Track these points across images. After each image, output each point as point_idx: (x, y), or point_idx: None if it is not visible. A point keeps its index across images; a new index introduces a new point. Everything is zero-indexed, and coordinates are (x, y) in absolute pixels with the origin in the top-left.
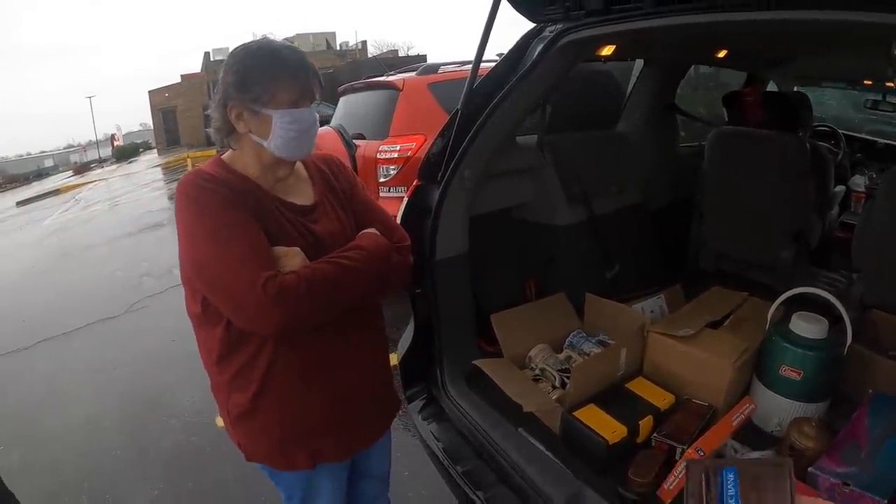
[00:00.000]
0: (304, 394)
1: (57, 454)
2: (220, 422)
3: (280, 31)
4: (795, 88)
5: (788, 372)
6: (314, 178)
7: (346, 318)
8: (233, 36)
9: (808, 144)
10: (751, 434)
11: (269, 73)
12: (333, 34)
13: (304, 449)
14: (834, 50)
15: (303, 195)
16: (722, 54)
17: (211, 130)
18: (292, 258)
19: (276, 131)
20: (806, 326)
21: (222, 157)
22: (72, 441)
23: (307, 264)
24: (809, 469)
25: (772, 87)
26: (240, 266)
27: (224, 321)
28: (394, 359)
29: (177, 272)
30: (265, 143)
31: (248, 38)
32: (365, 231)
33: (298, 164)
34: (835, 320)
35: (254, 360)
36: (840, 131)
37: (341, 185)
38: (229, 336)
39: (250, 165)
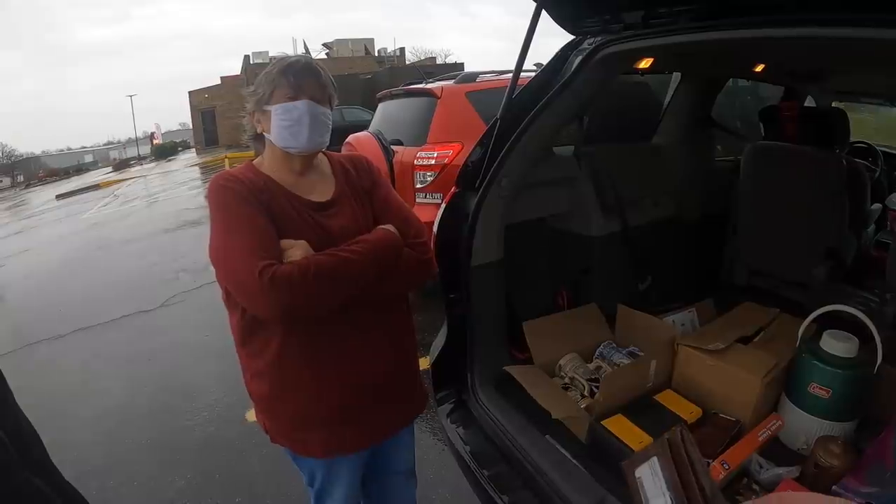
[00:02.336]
0: (315, 383)
1: (87, 439)
2: (250, 416)
3: (320, 37)
4: (833, 104)
5: (817, 390)
6: (337, 177)
7: (361, 313)
8: (273, 40)
9: (844, 161)
10: (777, 450)
11: (271, 76)
12: (372, 40)
13: (317, 438)
14: (872, 65)
15: (322, 192)
16: (759, 69)
17: (245, 138)
18: (296, 250)
19: (273, 123)
20: (836, 344)
21: (253, 161)
22: (102, 428)
23: (307, 256)
24: (834, 487)
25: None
26: (243, 255)
27: (241, 306)
28: (425, 362)
29: (213, 269)
30: (269, 137)
31: (288, 43)
32: (379, 227)
33: (323, 164)
34: (866, 339)
35: (266, 347)
36: (878, 148)
37: (363, 182)
38: (245, 321)
39: (272, 165)
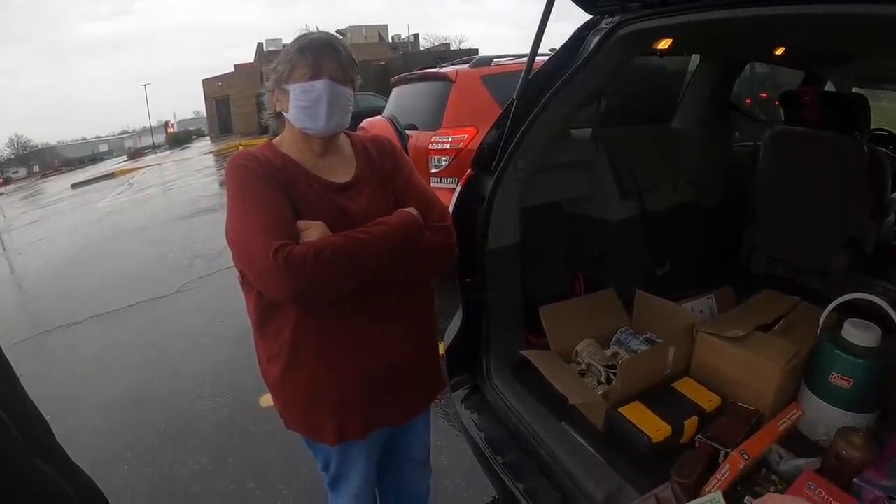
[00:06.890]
0: (328, 369)
1: (101, 425)
2: (263, 401)
3: (326, 25)
4: (853, 89)
5: (838, 380)
6: (358, 158)
7: (379, 299)
8: (282, 29)
9: (865, 147)
10: (797, 441)
11: (290, 54)
12: (386, 27)
13: (330, 424)
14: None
15: (342, 174)
16: (779, 51)
17: (265, 116)
18: (313, 230)
19: (292, 103)
20: (858, 334)
21: (272, 140)
22: (117, 413)
23: (324, 236)
24: (854, 480)
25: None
26: (258, 234)
27: (256, 289)
28: (440, 347)
29: (227, 255)
30: (287, 116)
31: (301, 29)
32: (401, 209)
33: (345, 145)
34: (888, 330)
35: (281, 330)
36: None
37: (384, 165)
38: (261, 303)
39: (291, 145)
